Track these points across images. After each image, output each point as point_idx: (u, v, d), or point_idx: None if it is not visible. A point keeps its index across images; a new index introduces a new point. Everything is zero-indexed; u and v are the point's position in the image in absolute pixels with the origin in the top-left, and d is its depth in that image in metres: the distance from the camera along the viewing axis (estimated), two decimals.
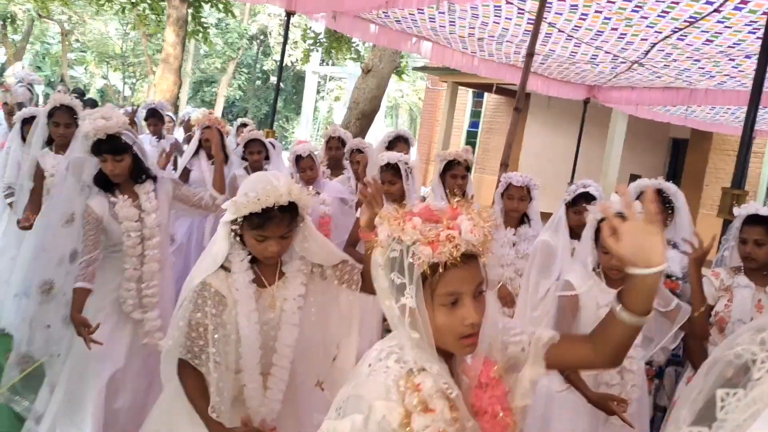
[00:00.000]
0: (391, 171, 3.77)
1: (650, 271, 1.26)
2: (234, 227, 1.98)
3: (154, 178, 3.12)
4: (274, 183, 1.97)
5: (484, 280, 1.35)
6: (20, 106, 5.40)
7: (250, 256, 2.05)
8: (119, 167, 2.94)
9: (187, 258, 4.83)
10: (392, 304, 1.33)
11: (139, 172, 3.06)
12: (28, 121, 4.46)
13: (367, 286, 2.12)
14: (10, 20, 24.57)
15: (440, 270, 1.28)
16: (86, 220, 2.92)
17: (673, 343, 3.08)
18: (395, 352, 1.35)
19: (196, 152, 5.08)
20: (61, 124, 3.99)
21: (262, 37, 30.57)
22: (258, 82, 32.74)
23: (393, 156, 3.81)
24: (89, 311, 2.83)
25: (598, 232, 2.68)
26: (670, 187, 3.52)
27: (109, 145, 2.90)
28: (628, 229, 1.28)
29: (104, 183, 2.98)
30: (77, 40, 29.90)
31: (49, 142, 4.07)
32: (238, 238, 2.02)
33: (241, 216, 1.94)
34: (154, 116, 6.36)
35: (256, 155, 4.93)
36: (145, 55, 24.07)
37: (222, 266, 2.03)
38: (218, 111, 25.27)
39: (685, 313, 2.75)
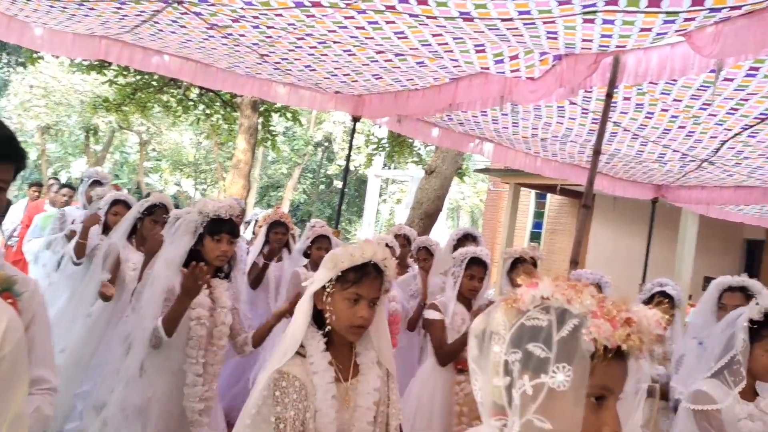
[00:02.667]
0: (482, 267, 3.77)
1: None
2: (327, 289, 1.93)
3: (228, 278, 3.13)
4: (363, 244, 1.97)
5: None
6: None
7: (326, 339, 1.96)
8: (230, 251, 3.00)
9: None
10: (507, 382, 1.13)
11: (229, 265, 3.10)
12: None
13: None
14: (93, 132, 26.31)
15: (607, 356, 1.09)
16: (168, 294, 2.91)
17: None
18: None
19: (262, 250, 5.20)
20: (159, 222, 4.14)
21: (326, 143, 31.70)
22: (322, 186, 33.66)
23: (481, 251, 3.81)
24: (137, 395, 2.81)
25: None
26: (754, 285, 3.35)
27: (230, 226, 2.99)
28: None
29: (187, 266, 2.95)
30: (154, 149, 31.64)
31: (129, 236, 4.25)
32: (324, 310, 1.95)
33: (334, 277, 1.91)
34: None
35: (323, 251, 4.93)
36: (216, 162, 25.23)
37: (298, 352, 1.93)
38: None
39: None
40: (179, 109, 14.55)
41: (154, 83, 13.67)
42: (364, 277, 1.93)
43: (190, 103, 14.40)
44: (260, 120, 13.87)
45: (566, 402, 1.06)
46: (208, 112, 14.71)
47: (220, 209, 2.97)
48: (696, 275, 11.66)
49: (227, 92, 13.74)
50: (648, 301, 3.49)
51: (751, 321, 2.39)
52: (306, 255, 5.03)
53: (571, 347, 1.08)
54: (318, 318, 1.98)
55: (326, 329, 1.95)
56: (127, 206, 4.53)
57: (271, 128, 14.72)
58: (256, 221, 9.06)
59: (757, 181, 7.40)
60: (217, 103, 14.48)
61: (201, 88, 13.55)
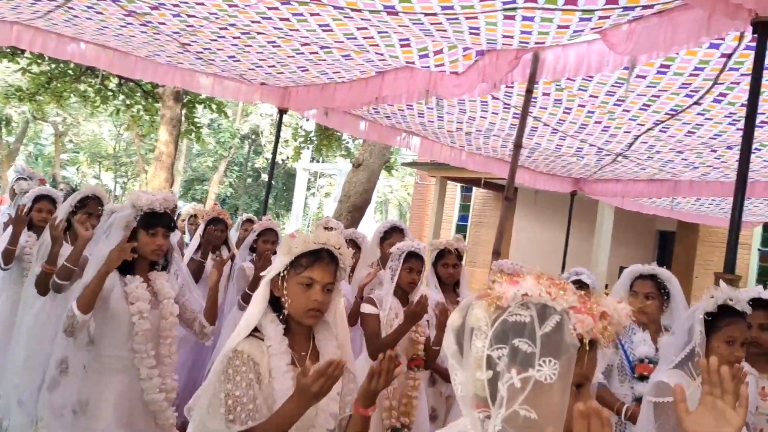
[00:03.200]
0: (419, 260, 3.81)
1: None
2: (282, 274, 1.95)
3: (167, 270, 3.06)
4: (318, 231, 2.01)
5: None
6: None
7: (284, 326, 1.98)
8: (166, 245, 2.91)
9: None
10: (490, 375, 1.17)
11: (165, 258, 3.02)
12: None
13: None
14: (5, 123, 25.07)
15: (590, 348, 1.16)
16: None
17: None
18: None
19: (200, 245, 5.11)
20: (94, 215, 4.05)
21: (253, 136, 31.27)
22: (249, 180, 33.19)
23: (418, 245, 3.85)
24: (85, 393, 2.74)
25: None
26: (663, 273, 3.52)
27: (165, 220, 2.90)
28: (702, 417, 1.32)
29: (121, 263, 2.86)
30: (71, 141, 30.43)
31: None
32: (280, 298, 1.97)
33: (287, 264, 1.94)
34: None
35: (270, 245, 4.91)
36: (137, 155, 24.49)
37: (255, 335, 1.95)
38: (208, 208, 25.42)
39: None
40: (97, 99, 14.02)
41: (71, 72, 13.13)
42: (317, 261, 1.95)
43: (109, 93, 13.90)
44: (184, 111, 13.54)
45: (552, 393, 1.11)
46: (128, 102, 14.25)
47: (155, 202, 2.88)
48: (612, 265, 12.16)
49: (148, 82, 13.37)
50: None
51: (707, 314, 2.45)
52: (252, 249, 4.99)
53: (555, 341, 1.12)
54: (275, 305, 2.00)
55: (282, 314, 1.97)
56: (52, 201, 4.35)
57: (196, 120, 14.40)
58: (179, 215, 8.86)
59: (668, 174, 7.77)
60: (138, 94, 14.03)
61: (120, 77, 13.11)
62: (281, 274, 1.96)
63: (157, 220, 2.88)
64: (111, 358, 2.84)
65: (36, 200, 4.35)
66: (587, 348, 1.15)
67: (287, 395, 1.84)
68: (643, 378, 3.28)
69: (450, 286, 4.40)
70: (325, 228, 5.29)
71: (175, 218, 8.14)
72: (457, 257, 4.34)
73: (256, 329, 1.95)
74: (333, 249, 1.99)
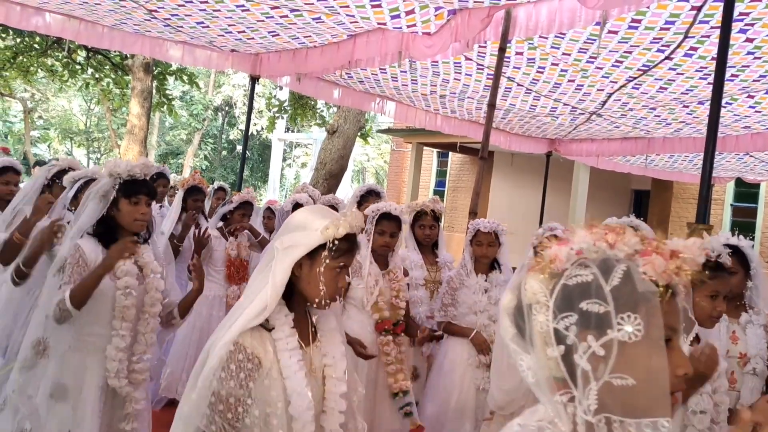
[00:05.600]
0: (393, 222, 3.66)
1: None
2: (324, 259, 1.74)
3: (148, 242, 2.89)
4: (353, 213, 1.80)
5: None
6: None
7: (292, 315, 1.77)
8: (149, 214, 2.77)
9: None
10: (563, 350, 1.02)
11: (147, 230, 2.87)
12: None
13: None
14: None
15: (668, 292, 1.01)
16: (74, 261, 2.63)
17: None
18: (546, 429, 1.05)
19: (180, 215, 5.07)
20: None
21: (227, 108, 30.89)
22: (224, 153, 32.87)
23: (393, 207, 3.71)
24: (66, 375, 2.61)
25: None
26: (640, 225, 3.56)
27: (147, 187, 2.76)
28: None
29: (103, 235, 2.73)
30: (40, 117, 29.83)
31: None
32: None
33: (331, 245, 1.73)
34: None
35: (247, 218, 4.99)
36: (109, 130, 24.08)
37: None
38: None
39: None
40: (65, 74, 13.70)
41: (37, 46, 12.80)
42: (354, 247, 1.80)
43: (78, 66, 13.59)
44: (155, 84, 13.31)
45: (642, 351, 0.97)
46: (97, 76, 13.95)
47: (134, 169, 2.72)
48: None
49: (116, 54, 13.08)
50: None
51: None
52: (224, 218, 5.01)
53: (628, 293, 0.99)
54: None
55: (295, 300, 1.79)
56: (17, 173, 4.26)
57: (167, 92, 14.16)
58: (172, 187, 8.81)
59: (641, 132, 7.84)
60: (107, 67, 13.74)
61: (88, 50, 12.82)
62: (322, 257, 1.74)
63: (138, 188, 2.73)
64: (93, 337, 2.70)
65: (0, 172, 4.27)
66: (668, 293, 1.01)
67: (301, 395, 1.68)
68: None
69: (428, 247, 4.43)
70: (301, 192, 5.34)
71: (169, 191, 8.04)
72: (434, 218, 4.36)
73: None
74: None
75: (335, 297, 1.78)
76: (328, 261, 1.73)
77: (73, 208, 3.37)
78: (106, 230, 2.74)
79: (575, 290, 1.01)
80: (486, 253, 3.96)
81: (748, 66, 4.81)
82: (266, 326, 1.72)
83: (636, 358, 0.97)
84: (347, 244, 1.76)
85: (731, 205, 13.07)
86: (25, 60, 12.99)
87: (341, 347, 1.86)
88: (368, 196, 4.97)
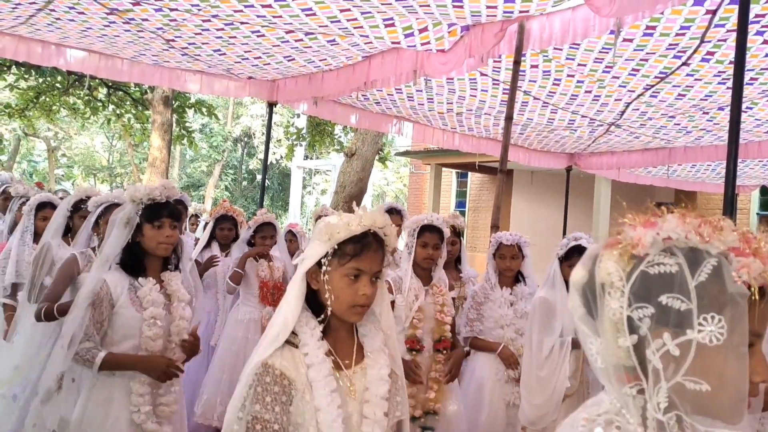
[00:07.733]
0: (435, 233, 3.57)
1: None
2: (324, 266, 1.67)
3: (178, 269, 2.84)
4: (361, 212, 1.71)
5: None
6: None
7: (321, 326, 1.70)
8: (175, 236, 2.69)
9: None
10: (635, 341, 0.97)
11: (176, 256, 2.81)
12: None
13: None
14: None
15: (762, 298, 0.94)
16: (97, 298, 2.56)
17: None
18: (615, 423, 0.99)
19: (208, 244, 5.08)
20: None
21: (246, 138, 31.23)
22: (245, 183, 33.15)
23: (435, 218, 3.64)
24: (92, 409, 2.55)
25: None
26: None
27: (169, 209, 2.70)
28: None
29: (129, 265, 2.68)
30: (64, 155, 30.38)
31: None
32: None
33: (330, 251, 1.66)
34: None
35: (269, 240, 4.85)
36: (131, 164, 24.44)
37: (288, 341, 1.66)
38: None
39: None
40: (87, 111, 13.98)
41: (58, 85, 13.09)
42: (364, 249, 1.67)
43: (99, 103, 13.86)
44: (174, 117, 13.52)
45: (722, 356, 0.91)
46: (118, 111, 14.21)
47: (154, 192, 2.68)
48: None
49: (136, 89, 13.33)
50: (566, 256, 3.59)
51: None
52: (250, 244, 4.91)
53: (715, 292, 0.92)
54: (311, 300, 1.72)
55: (326, 313, 1.70)
56: (54, 208, 4.26)
57: (187, 124, 14.37)
58: (194, 216, 8.94)
59: (661, 141, 7.76)
60: (128, 102, 14.00)
61: (109, 86, 13.08)
62: (323, 266, 1.68)
63: (160, 210, 2.69)
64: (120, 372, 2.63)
65: (39, 208, 4.30)
66: (756, 297, 0.93)
67: (332, 410, 1.60)
68: None
69: (451, 263, 4.41)
70: (320, 216, 5.33)
71: (188, 220, 8.04)
72: (454, 234, 4.34)
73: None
74: (378, 231, 1.71)
75: (355, 306, 1.68)
76: (329, 268, 1.67)
77: (95, 233, 3.39)
78: (132, 257, 2.70)
79: (656, 280, 0.95)
80: (510, 266, 3.93)
81: (767, 69, 4.76)
82: (294, 341, 1.66)
83: (713, 363, 0.91)
84: (354, 247, 1.67)
85: (757, 214, 12.86)
86: (47, 99, 13.29)
87: (384, 369, 1.75)
88: (389, 213, 4.95)
